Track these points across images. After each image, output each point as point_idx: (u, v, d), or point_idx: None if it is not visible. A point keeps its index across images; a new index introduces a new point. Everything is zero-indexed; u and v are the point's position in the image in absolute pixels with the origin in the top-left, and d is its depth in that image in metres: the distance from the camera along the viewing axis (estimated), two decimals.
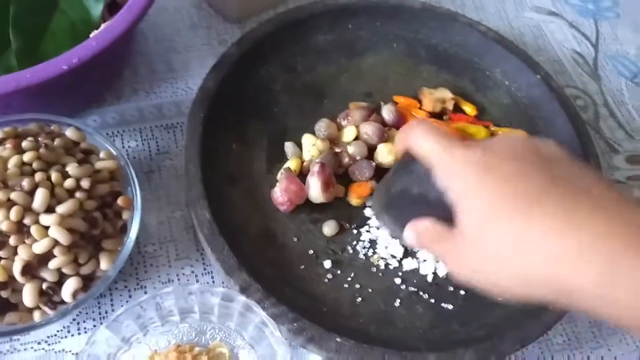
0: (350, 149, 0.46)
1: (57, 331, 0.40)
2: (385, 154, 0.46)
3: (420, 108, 0.51)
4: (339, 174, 0.46)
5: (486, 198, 0.28)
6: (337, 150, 0.46)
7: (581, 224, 0.26)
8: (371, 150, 0.47)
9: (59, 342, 0.39)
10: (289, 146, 0.47)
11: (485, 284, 0.30)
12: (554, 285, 0.26)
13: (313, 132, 0.48)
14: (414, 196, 0.33)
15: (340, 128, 0.49)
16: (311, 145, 0.46)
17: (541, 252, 0.26)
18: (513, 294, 0.29)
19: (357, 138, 0.47)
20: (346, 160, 0.46)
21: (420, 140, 0.32)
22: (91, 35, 0.45)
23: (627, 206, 0.26)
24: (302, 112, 0.50)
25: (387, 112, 0.48)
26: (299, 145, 0.47)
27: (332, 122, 0.48)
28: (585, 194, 0.27)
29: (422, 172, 0.32)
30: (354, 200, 0.45)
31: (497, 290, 0.30)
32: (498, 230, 0.28)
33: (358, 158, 0.46)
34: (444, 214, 0.31)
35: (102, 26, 0.47)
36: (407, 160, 0.34)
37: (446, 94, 0.52)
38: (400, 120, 0.49)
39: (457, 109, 0.52)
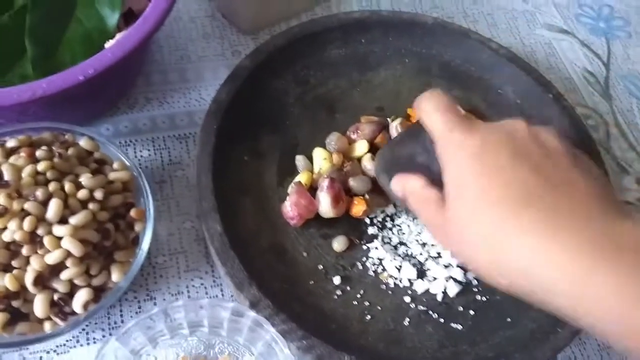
0: (354, 183, 0.45)
1: (67, 341, 0.40)
2: None
3: None
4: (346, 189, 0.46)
5: (475, 188, 0.29)
6: (345, 166, 0.46)
7: (560, 227, 0.26)
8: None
9: (68, 351, 0.39)
10: (300, 160, 0.47)
11: (462, 262, 0.31)
12: (529, 280, 0.27)
13: (324, 146, 0.48)
14: (418, 164, 0.34)
15: (350, 142, 0.49)
16: (322, 159, 0.46)
17: (519, 247, 0.27)
18: (492, 282, 0.29)
19: (369, 151, 0.47)
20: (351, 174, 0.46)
21: (429, 112, 0.33)
22: (106, 45, 0.46)
23: (608, 211, 0.27)
24: (313, 125, 0.50)
25: (394, 129, 0.48)
26: (310, 158, 0.47)
27: (342, 135, 0.48)
28: (569, 197, 0.27)
29: (428, 143, 0.33)
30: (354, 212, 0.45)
31: (478, 274, 0.30)
32: (480, 220, 0.28)
33: (362, 190, 0.45)
34: (441, 186, 0.32)
35: (118, 36, 0.47)
36: (419, 128, 0.34)
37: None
38: None
39: None
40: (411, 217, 0.45)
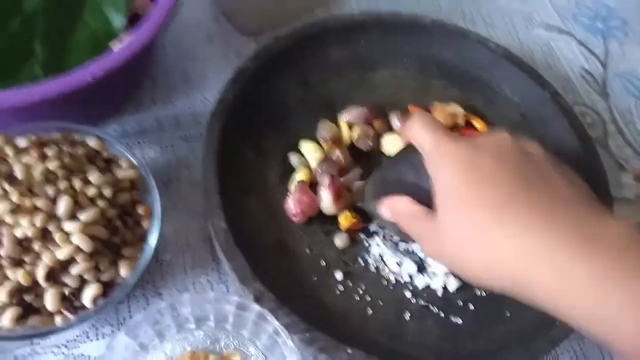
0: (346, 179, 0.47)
1: (77, 336, 0.41)
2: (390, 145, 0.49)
3: None
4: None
5: (464, 192, 0.30)
6: (334, 156, 0.47)
7: (542, 229, 0.28)
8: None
9: (78, 346, 0.40)
10: (293, 158, 0.48)
11: (454, 269, 0.32)
12: (512, 278, 0.29)
13: (311, 138, 0.49)
14: (406, 184, 0.35)
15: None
16: (313, 152, 0.48)
17: (503, 247, 0.29)
18: (478, 282, 0.31)
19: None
20: (342, 163, 0.47)
21: (418, 130, 0.34)
22: (112, 45, 0.47)
23: (589, 214, 0.29)
24: (315, 124, 0.51)
25: (395, 119, 0.51)
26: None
27: (331, 123, 0.50)
28: (550, 196, 0.29)
29: (418, 162, 0.34)
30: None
31: (465, 277, 0.32)
32: (468, 222, 0.30)
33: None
34: (430, 203, 0.33)
35: (124, 38, 0.48)
36: (408, 152, 0.36)
37: (457, 109, 0.53)
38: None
39: (468, 124, 0.53)
40: (402, 239, 0.46)
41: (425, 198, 0.34)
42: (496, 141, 0.33)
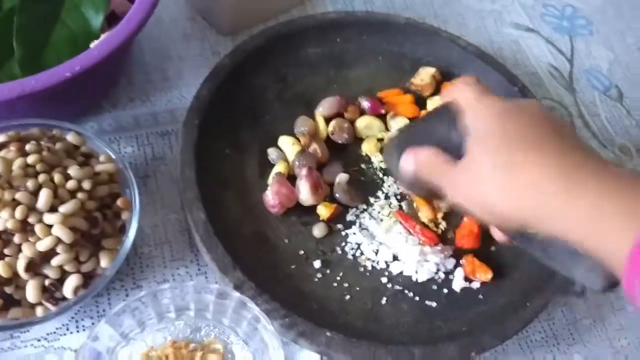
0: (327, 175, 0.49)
1: (57, 328, 0.41)
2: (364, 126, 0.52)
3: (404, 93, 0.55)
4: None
5: (498, 135, 0.34)
6: (311, 149, 0.49)
7: (563, 172, 0.32)
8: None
9: (58, 339, 0.41)
10: (272, 152, 0.49)
11: (474, 205, 0.35)
12: (530, 207, 0.32)
13: (289, 134, 0.50)
14: (435, 138, 0.37)
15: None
16: (291, 145, 0.49)
17: (526, 184, 0.32)
18: (495, 216, 0.34)
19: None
20: (319, 156, 0.49)
21: (461, 87, 0.38)
22: (91, 45, 0.47)
23: (604, 164, 0.32)
24: (292, 120, 0.52)
25: (365, 101, 0.53)
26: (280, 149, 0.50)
27: (308, 118, 0.51)
28: (571, 152, 0.33)
29: (449, 117, 0.36)
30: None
31: (483, 212, 0.34)
32: (498, 160, 0.33)
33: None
34: (455, 157, 0.35)
35: (102, 36, 0.49)
36: (439, 110, 0.38)
37: (430, 70, 0.56)
38: (376, 105, 0.54)
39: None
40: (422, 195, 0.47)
41: (452, 150, 0.36)
42: (529, 103, 0.37)
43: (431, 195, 0.39)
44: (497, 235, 0.39)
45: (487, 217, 0.35)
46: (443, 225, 0.48)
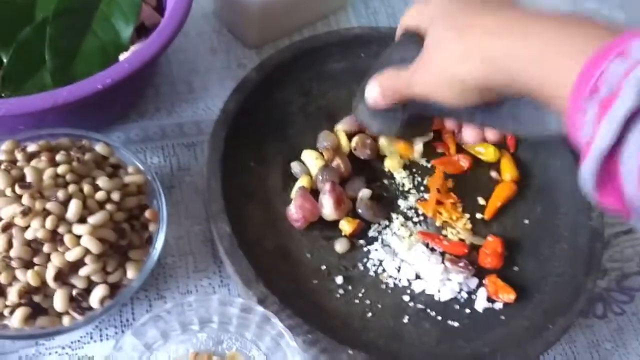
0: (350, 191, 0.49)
1: (81, 337, 0.41)
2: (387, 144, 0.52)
3: None
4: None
5: (446, 14, 0.37)
6: (334, 164, 0.49)
7: (508, 24, 0.34)
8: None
9: (82, 347, 0.41)
10: (295, 166, 0.50)
11: (441, 86, 0.36)
12: (487, 59, 0.33)
13: (312, 148, 0.51)
14: (393, 63, 0.40)
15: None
16: (314, 160, 0.49)
17: (477, 42, 0.34)
18: (462, 87, 0.35)
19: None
20: (342, 171, 0.49)
21: (407, 13, 0.41)
22: (120, 57, 0.48)
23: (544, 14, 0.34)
24: (315, 133, 0.52)
25: None
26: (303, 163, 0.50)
27: (331, 133, 0.51)
28: (513, 7, 0.35)
29: (402, 42, 0.40)
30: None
31: (452, 88, 0.36)
32: (449, 34, 0.36)
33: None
34: None
35: (132, 48, 0.50)
36: (397, 41, 0.42)
37: None
38: None
39: None
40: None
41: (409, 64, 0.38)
42: None
43: (402, 124, 0.42)
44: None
45: (455, 92, 0.36)
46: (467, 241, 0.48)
